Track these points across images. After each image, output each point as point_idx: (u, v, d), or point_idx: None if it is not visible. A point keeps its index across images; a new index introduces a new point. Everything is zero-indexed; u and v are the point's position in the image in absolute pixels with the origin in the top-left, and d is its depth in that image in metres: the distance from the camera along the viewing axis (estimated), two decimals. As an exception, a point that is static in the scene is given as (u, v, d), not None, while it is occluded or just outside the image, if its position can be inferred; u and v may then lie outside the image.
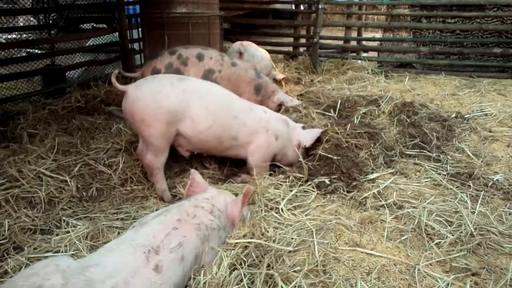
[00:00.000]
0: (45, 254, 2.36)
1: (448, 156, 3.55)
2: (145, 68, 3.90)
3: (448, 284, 2.03)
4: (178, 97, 2.97)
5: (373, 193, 2.92)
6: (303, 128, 3.67)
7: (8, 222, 2.65)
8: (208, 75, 3.89)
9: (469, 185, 3.09)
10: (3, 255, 2.42)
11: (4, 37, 7.02)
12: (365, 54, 8.24)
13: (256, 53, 5.65)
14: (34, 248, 2.44)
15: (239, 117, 3.22)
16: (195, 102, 3.03)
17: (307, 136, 3.49)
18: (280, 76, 6.37)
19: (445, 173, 3.28)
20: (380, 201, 2.84)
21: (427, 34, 7.59)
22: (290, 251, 2.16)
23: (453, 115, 4.52)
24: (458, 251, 2.29)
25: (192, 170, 2.59)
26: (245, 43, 5.69)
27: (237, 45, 5.63)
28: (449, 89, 5.80)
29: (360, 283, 1.98)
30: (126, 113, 3.05)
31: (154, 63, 3.85)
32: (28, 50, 6.83)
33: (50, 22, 6.50)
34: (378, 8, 10.41)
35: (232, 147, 3.29)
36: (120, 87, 3.08)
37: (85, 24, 7.19)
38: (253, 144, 3.30)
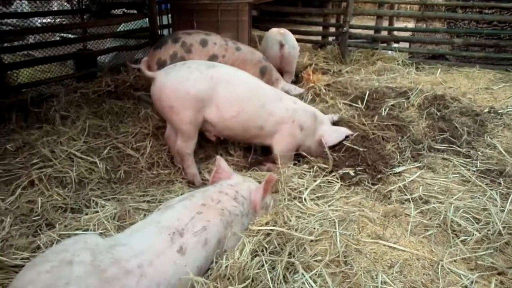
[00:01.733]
0: (75, 232, 2.46)
1: (479, 152, 3.45)
2: (150, 58, 3.83)
3: (472, 282, 2.00)
4: (206, 84, 2.98)
5: (399, 186, 2.88)
6: (335, 119, 3.63)
7: (41, 200, 2.77)
8: (212, 61, 3.84)
9: (500, 183, 3.00)
10: (36, 231, 2.54)
11: (39, 21, 7.22)
12: (396, 45, 8.02)
13: (296, 44, 5.34)
14: (65, 226, 2.55)
15: (266, 106, 3.21)
16: (223, 90, 3.03)
17: (332, 136, 3.33)
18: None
19: (474, 169, 3.20)
20: (406, 195, 2.80)
21: (462, 25, 7.31)
22: (312, 241, 2.17)
23: (486, 110, 4.37)
24: (485, 249, 2.24)
25: (218, 157, 2.62)
26: (282, 31, 5.37)
27: (275, 33, 5.28)
28: (483, 82, 5.59)
29: (382, 275, 1.97)
30: (154, 99, 3.09)
31: (158, 53, 3.81)
32: (62, 34, 7.02)
33: (83, 7, 6.64)
34: (411, -3, 10.08)
35: (257, 135, 3.29)
36: (149, 73, 3.11)
37: (116, 10, 7.30)
38: (278, 134, 3.28)
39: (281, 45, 5.02)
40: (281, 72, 5.19)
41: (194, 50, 3.86)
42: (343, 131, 3.37)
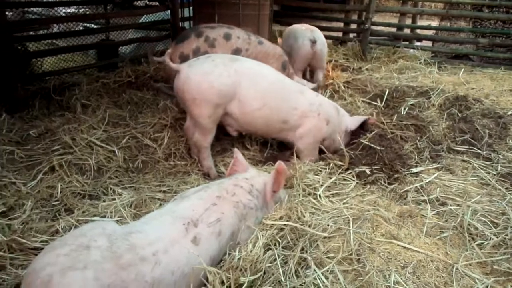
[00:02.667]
0: (93, 218, 2.52)
1: (500, 155, 3.38)
2: (172, 52, 3.76)
3: (487, 287, 1.97)
4: (230, 77, 2.97)
5: (415, 187, 2.85)
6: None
7: (61, 185, 2.84)
8: (235, 54, 3.83)
9: (520, 187, 2.94)
10: (55, 215, 2.60)
11: (63, 11, 7.34)
12: (418, 43, 7.89)
13: (324, 40, 5.17)
14: (83, 212, 2.60)
15: (290, 100, 3.19)
16: (246, 83, 3.02)
17: (353, 121, 3.50)
18: None
19: (494, 172, 3.13)
20: (422, 195, 2.77)
21: (488, 24, 7.14)
22: (325, 237, 2.17)
23: (510, 113, 4.26)
24: (501, 254, 2.20)
25: (235, 149, 2.63)
26: (305, 27, 5.22)
27: (305, 30, 5.09)
28: (507, 84, 5.45)
29: (394, 275, 1.96)
30: (177, 92, 3.10)
31: (181, 47, 3.78)
32: (85, 24, 7.13)
33: (107, -3, 6.73)
34: (436, -5, 9.86)
35: (281, 130, 3.26)
36: (174, 66, 3.11)
37: (138, 1, 7.38)
38: (302, 127, 3.26)
39: (313, 42, 4.90)
40: (311, 69, 5.16)
41: (218, 44, 3.85)
42: (362, 116, 3.58)
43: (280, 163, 2.32)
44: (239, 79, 3.00)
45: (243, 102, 3.04)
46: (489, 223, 2.46)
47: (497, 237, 2.32)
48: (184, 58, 3.66)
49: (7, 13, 4.33)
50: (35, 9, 7.21)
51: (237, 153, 2.58)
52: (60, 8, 6.95)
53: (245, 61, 3.23)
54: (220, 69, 2.98)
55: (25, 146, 3.40)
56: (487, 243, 2.28)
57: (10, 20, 4.74)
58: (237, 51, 3.91)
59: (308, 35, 4.98)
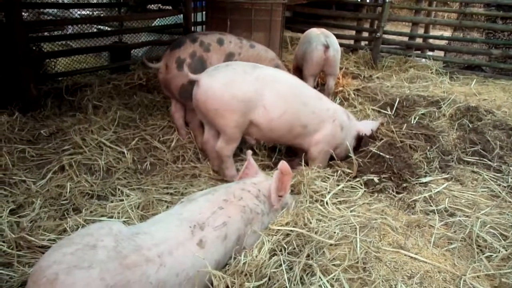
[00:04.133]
0: (100, 218, 2.54)
1: (511, 168, 3.34)
2: (168, 58, 3.72)
3: (495, 300, 1.94)
4: (253, 85, 2.92)
5: (424, 197, 2.83)
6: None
7: (70, 185, 2.87)
8: (229, 59, 3.83)
9: (531, 200, 2.89)
10: (64, 214, 2.63)
11: (78, 12, 7.45)
12: (430, 53, 7.85)
13: (338, 46, 5.12)
14: (91, 212, 2.63)
15: (309, 105, 3.15)
16: (268, 90, 2.97)
17: (366, 126, 3.50)
18: None
19: (505, 184, 3.09)
20: (431, 206, 2.74)
21: (502, 36, 7.07)
22: (331, 244, 2.15)
23: (522, 125, 4.22)
24: (510, 267, 2.17)
25: (249, 151, 2.62)
26: (320, 31, 5.16)
27: (319, 35, 5.03)
28: (520, 96, 5.40)
29: (401, 285, 1.93)
30: (198, 103, 2.99)
31: (177, 52, 3.72)
32: (99, 26, 7.23)
33: (121, 0, 6.81)
34: (449, 5, 9.81)
35: (299, 135, 3.19)
36: (192, 76, 3.02)
37: (152, 5, 7.45)
38: (319, 133, 3.22)
39: (326, 47, 4.84)
40: (324, 74, 5.12)
41: (213, 49, 3.85)
42: (375, 122, 3.61)
43: (283, 163, 2.26)
44: (262, 86, 2.95)
45: (267, 109, 2.97)
46: (498, 235, 2.43)
47: (506, 250, 2.28)
48: (180, 63, 3.64)
49: (23, 13, 4.40)
50: (50, 10, 7.32)
51: (250, 155, 2.57)
52: (75, 10, 7.06)
53: (264, 68, 3.15)
54: (241, 77, 2.92)
55: (36, 145, 3.44)
56: (496, 256, 2.25)
57: (26, 21, 4.82)
58: (230, 56, 3.90)
59: (321, 40, 4.93)
